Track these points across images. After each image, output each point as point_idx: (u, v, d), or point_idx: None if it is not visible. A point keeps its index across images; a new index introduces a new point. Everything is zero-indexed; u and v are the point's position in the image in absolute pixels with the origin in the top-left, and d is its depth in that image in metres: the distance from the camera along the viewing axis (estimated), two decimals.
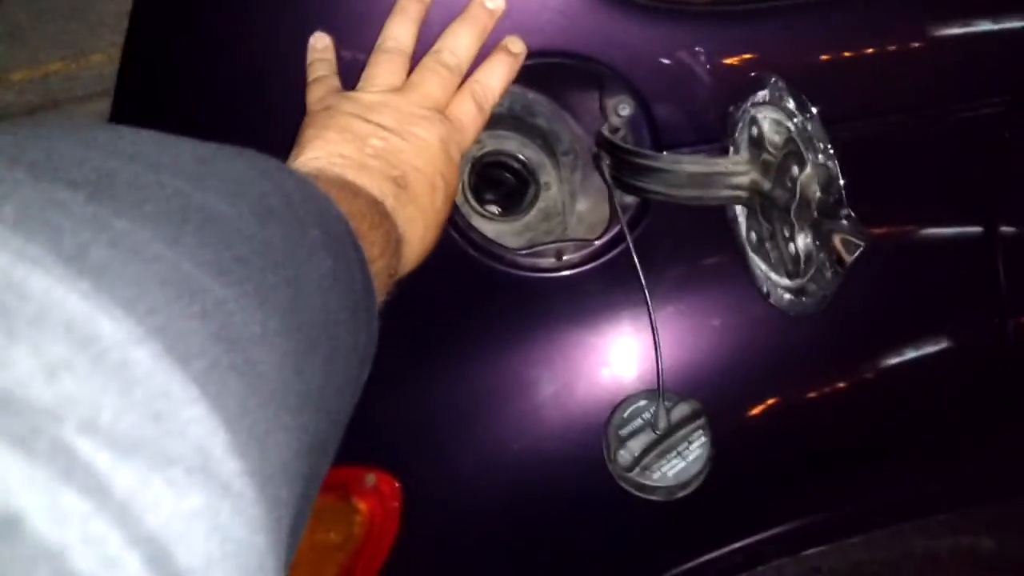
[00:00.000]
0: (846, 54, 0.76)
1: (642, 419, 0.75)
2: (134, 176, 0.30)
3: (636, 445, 0.73)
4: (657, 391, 0.74)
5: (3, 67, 3.15)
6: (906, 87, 0.77)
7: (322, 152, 0.59)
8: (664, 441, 0.73)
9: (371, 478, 0.80)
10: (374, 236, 0.51)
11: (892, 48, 0.76)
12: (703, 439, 0.73)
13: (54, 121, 2.93)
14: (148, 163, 0.32)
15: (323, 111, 0.62)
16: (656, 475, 0.73)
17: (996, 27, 0.78)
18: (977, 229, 0.81)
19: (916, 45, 0.76)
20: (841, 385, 0.81)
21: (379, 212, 0.55)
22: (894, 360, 0.82)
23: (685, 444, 0.73)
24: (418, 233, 0.60)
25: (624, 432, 0.75)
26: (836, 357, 0.81)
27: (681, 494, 0.73)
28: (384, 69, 0.65)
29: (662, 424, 0.73)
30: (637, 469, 0.73)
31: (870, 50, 0.76)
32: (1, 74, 3.15)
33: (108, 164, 0.30)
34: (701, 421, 0.73)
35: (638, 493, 0.73)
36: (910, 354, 0.82)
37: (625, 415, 0.77)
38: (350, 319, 0.41)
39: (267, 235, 0.34)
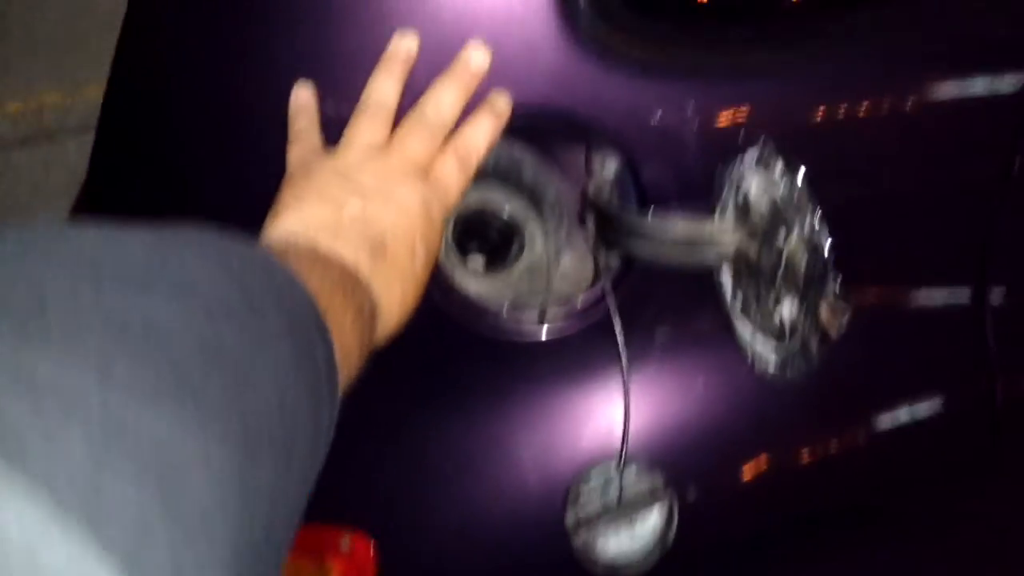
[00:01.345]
0: (836, 114, 0.75)
1: (603, 486, 0.74)
2: (70, 294, 0.29)
3: (587, 510, 0.72)
4: (622, 457, 0.73)
5: None
6: (897, 148, 0.76)
7: (297, 217, 0.57)
8: (615, 513, 0.72)
9: (346, 540, 0.78)
10: (345, 310, 0.50)
11: (883, 108, 0.75)
12: (659, 518, 0.72)
13: (45, 152, 2.92)
14: (87, 274, 0.31)
15: (302, 171, 0.61)
16: (599, 545, 0.72)
17: (989, 89, 0.78)
18: (966, 292, 0.79)
19: (908, 106, 0.76)
20: (826, 454, 0.79)
21: (353, 282, 0.54)
22: (881, 426, 0.81)
23: (637, 521, 0.72)
24: (395, 300, 0.59)
25: (583, 494, 0.74)
26: (820, 423, 0.80)
27: (625, 572, 0.72)
28: (366, 127, 0.64)
29: (613, 496, 0.72)
30: (582, 534, 0.71)
31: (861, 110, 0.75)
32: None
33: (43, 282, 0.29)
34: (663, 499, 0.72)
35: (583, 561, 0.72)
36: (897, 420, 0.81)
37: (590, 479, 0.75)
38: (311, 407, 0.40)
39: (218, 336, 0.34)
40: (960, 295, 0.80)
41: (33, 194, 2.82)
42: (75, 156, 2.85)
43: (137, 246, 0.35)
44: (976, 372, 0.80)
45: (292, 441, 0.37)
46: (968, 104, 0.78)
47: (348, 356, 0.50)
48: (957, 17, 0.78)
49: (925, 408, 0.82)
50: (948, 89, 0.77)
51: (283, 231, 0.57)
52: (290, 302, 0.43)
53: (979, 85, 0.77)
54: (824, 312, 0.60)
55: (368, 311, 0.55)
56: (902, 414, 0.81)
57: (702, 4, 0.74)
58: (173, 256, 0.36)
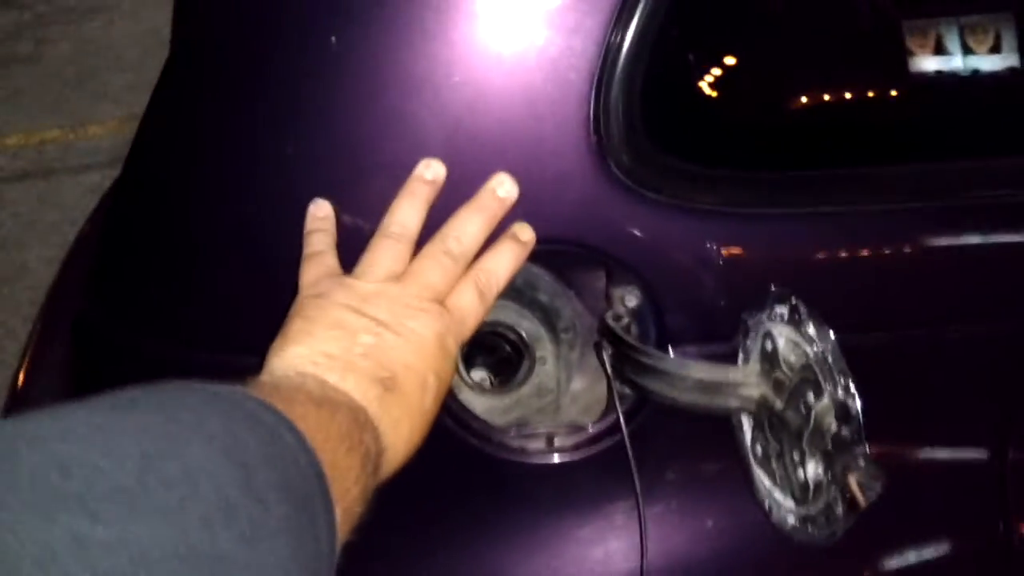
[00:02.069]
0: (860, 264, 0.73)
1: None
2: (46, 548, 0.27)
3: None
4: None
5: None
6: (921, 301, 0.75)
7: (307, 349, 0.55)
8: None
9: None
10: (351, 461, 0.48)
11: (909, 260, 0.74)
12: None
13: (42, 188, 2.90)
14: (75, 490, 0.29)
15: (315, 298, 0.59)
16: None
17: (1017, 241, 0.76)
18: (986, 452, 0.77)
19: (932, 259, 0.74)
20: None
21: (360, 425, 0.51)
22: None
23: None
24: (403, 437, 0.56)
25: None
26: (835, 572, 0.77)
27: None
28: (385, 255, 0.61)
29: None
30: None
31: (885, 261, 0.73)
32: None
33: (24, 524, 0.27)
34: None
35: None
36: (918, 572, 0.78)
37: None
38: None
39: (214, 549, 0.32)
40: (980, 455, 0.78)
41: (26, 229, 2.78)
42: (71, 195, 2.83)
43: (133, 452, 0.33)
44: (995, 533, 0.77)
45: None
46: (993, 254, 0.77)
47: (350, 511, 0.48)
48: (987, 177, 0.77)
49: (940, 555, 0.80)
50: (975, 238, 0.76)
51: (291, 363, 0.54)
52: (297, 478, 0.41)
53: (1009, 235, 0.76)
54: (853, 483, 0.57)
55: (374, 454, 0.53)
56: (919, 560, 0.78)
57: (731, 148, 0.73)
58: (172, 456, 0.34)
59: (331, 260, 0.63)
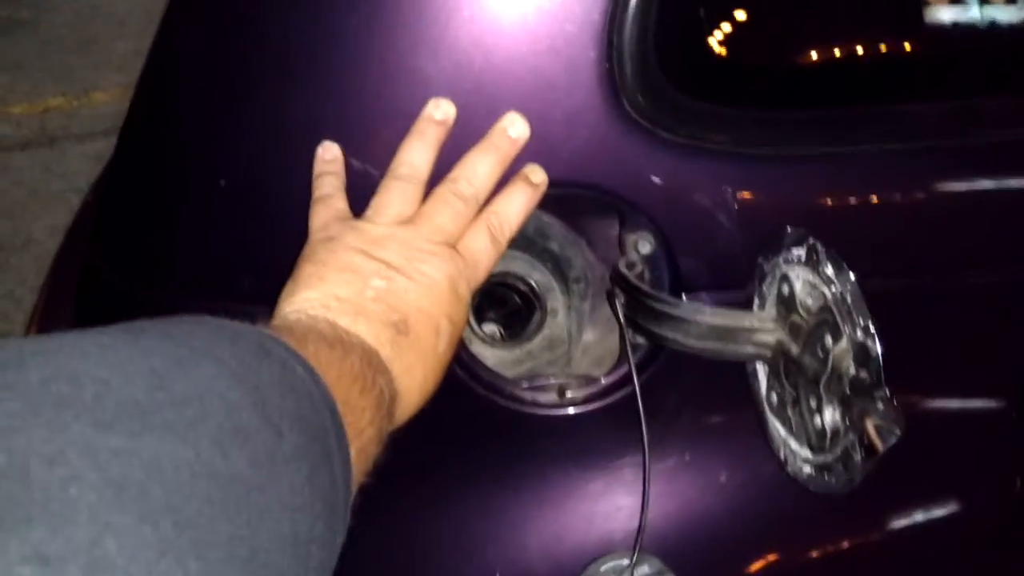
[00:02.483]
0: (880, 207, 0.71)
1: None
2: (58, 452, 0.27)
3: None
4: (635, 555, 0.68)
5: (2, 98, 3.12)
6: (939, 246, 0.73)
7: (318, 293, 0.54)
8: None
9: None
10: (365, 402, 0.47)
11: (930, 204, 0.72)
12: None
13: (46, 157, 2.88)
14: (84, 401, 0.29)
15: (325, 242, 0.57)
16: None
17: None
18: (1005, 403, 0.76)
19: (952, 201, 0.72)
20: (854, 557, 0.75)
21: (374, 368, 0.50)
22: (911, 533, 0.76)
23: None
24: (416, 383, 0.55)
25: None
26: (849, 526, 0.76)
27: None
28: (395, 198, 0.60)
29: None
30: None
31: (906, 204, 0.72)
32: None
33: (30, 445, 0.27)
34: None
35: None
36: (928, 527, 0.77)
37: (600, 571, 0.71)
38: (324, 528, 0.37)
39: (228, 468, 0.31)
40: (999, 405, 0.76)
41: (32, 198, 2.77)
42: (75, 163, 2.81)
43: (143, 369, 0.32)
44: (1012, 482, 0.76)
45: (303, 569, 0.35)
46: (1011, 197, 0.75)
47: (365, 451, 0.47)
48: (1005, 115, 0.76)
49: (959, 510, 0.78)
50: (1002, 181, 0.74)
51: (302, 307, 0.53)
52: (309, 409, 0.40)
53: None
54: (871, 428, 0.56)
55: (388, 397, 0.52)
56: (930, 522, 0.77)
57: (747, 87, 0.71)
58: (183, 376, 0.33)
59: (340, 203, 0.62)
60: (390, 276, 0.56)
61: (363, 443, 0.46)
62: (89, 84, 3.22)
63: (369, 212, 0.60)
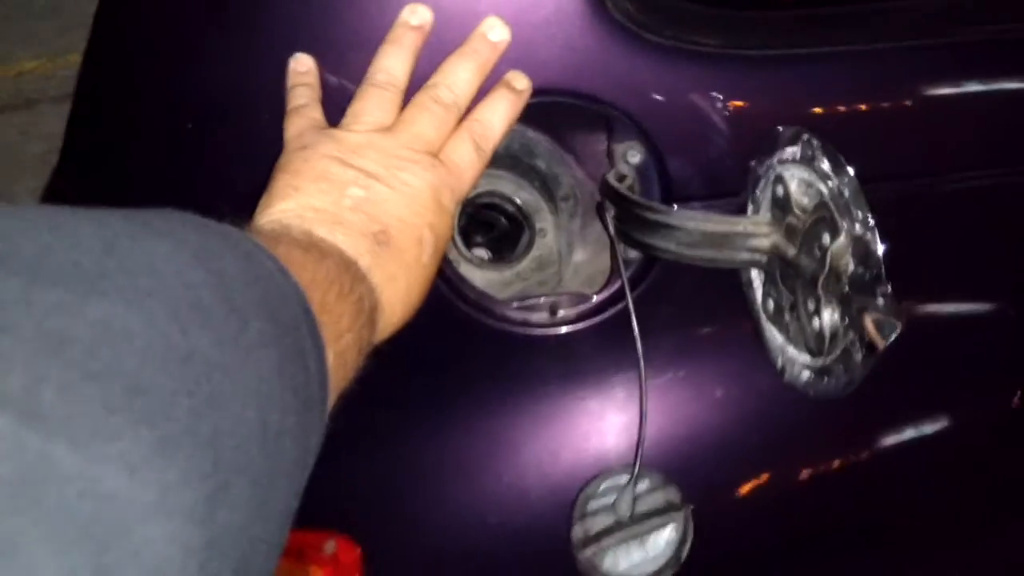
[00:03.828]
0: (875, 107, 0.69)
1: (614, 498, 0.69)
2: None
3: (595, 524, 0.68)
4: (635, 469, 0.67)
5: None
6: (937, 148, 0.71)
7: (293, 204, 0.52)
8: (627, 528, 0.67)
9: (330, 545, 0.73)
10: (342, 307, 0.45)
11: (927, 104, 0.70)
12: (673, 534, 0.67)
13: (23, 120, 2.83)
14: (19, 275, 0.26)
15: (300, 151, 0.55)
16: (607, 562, 0.67)
17: None
18: (1006, 306, 0.74)
19: (957, 99, 0.70)
20: (851, 467, 0.74)
21: (352, 275, 0.48)
22: (912, 439, 0.76)
23: (651, 536, 0.67)
24: (399, 295, 0.53)
25: (591, 508, 0.69)
26: (848, 435, 0.75)
27: None
28: (372, 104, 0.58)
29: (625, 509, 0.67)
30: (589, 551, 0.67)
31: (902, 104, 0.70)
32: None
33: None
34: (678, 514, 0.67)
35: None
36: (926, 433, 0.76)
37: (599, 490, 0.70)
38: (299, 423, 0.35)
39: (188, 344, 0.29)
40: (1000, 309, 0.75)
41: (10, 162, 2.73)
42: (53, 124, 2.76)
43: (91, 236, 0.30)
44: (1013, 383, 0.75)
45: (275, 466, 0.33)
46: (1015, 102, 0.73)
47: (344, 356, 0.45)
48: (1001, 11, 0.73)
49: (959, 420, 0.78)
50: (1002, 80, 0.72)
51: (277, 217, 0.51)
52: (278, 301, 0.38)
53: None
54: (870, 324, 0.54)
55: (368, 306, 0.50)
56: (931, 428, 0.76)
57: None
58: (137, 248, 0.31)
59: (316, 113, 0.59)
60: (368, 185, 0.54)
61: (342, 348, 0.44)
62: (61, 47, 3.15)
63: (345, 120, 0.58)
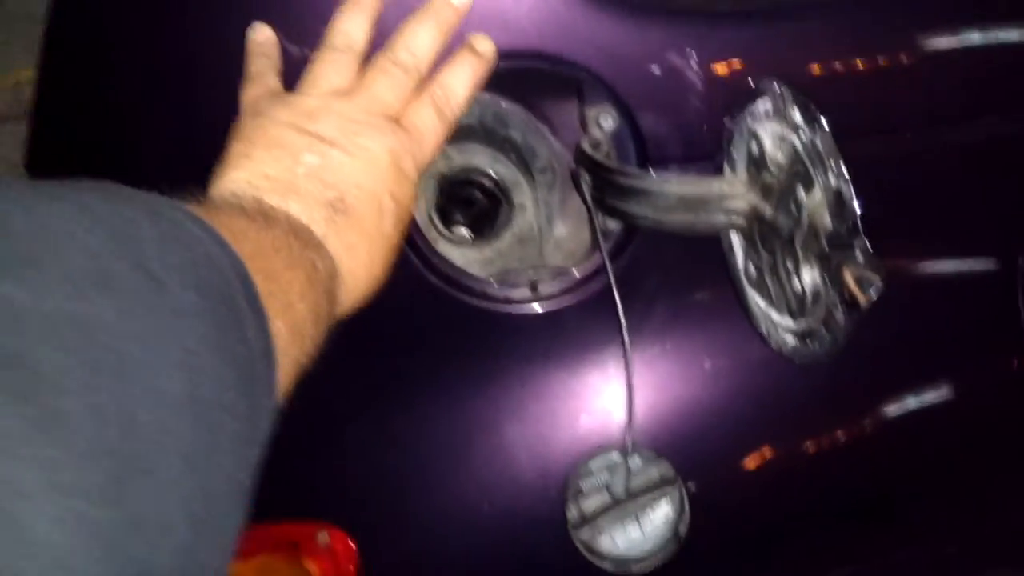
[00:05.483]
0: (853, 61, 0.67)
1: (607, 476, 0.67)
2: None
3: (591, 504, 0.66)
4: (628, 446, 0.66)
5: None
6: (921, 100, 0.69)
7: (245, 172, 0.50)
8: (622, 505, 0.65)
9: (323, 536, 0.71)
10: (292, 275, 0.43)
11: (906, 56, 0.68)
12: (669, 509, 0.65)
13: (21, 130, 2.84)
14: None
15: (254, 118, 0.53)
16: (605, 541, 0.65)
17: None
18: (996, 262, 0.72)
19: (933, 52, 0.68)
20: (847, 437, 0.72)
21: (303, 241, 0.46)
22: (906, 407, 0.74)
23: (647, 512, 0.65)
24: (361, 263, 0.51)
25: (585, 487, 0.67)
26: (841, 404, 0.73)
27: (637, 568, 0.65)
28: (329, 69, 0.56)
29: (620, 487, 0.65)
30: (586, 530, 0.65)
31: (880, 57, 0.67)
32: None
33: None
34: (672, 488, 0.65)
35: (588, 557, 0.65)
36: (923, 400, 0.74)
37: (592, 468, 0.69)
38: (241, 392, 0.33)
39: (88, 311, 0.27)
40: (989, 265, 0.73)
41: (9, 172, 2.73)
42: None
43: None
44: (1007, 349, 0.73)
45: (212, 442, 0.31)
46: (1006, 50, 0.71)
47: (298, 327, 0.43)
48: None
49: (948, 388, 0.75)
50: (981, 31, 0.70)
51: (227, 187, 0.50)
52: (208, 270, 0.36)
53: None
54: (850, 280, 0.52)
55: (324, 273, 0.48)
56: (924, 394, 0.74)
57: None
58: (31, 217, 0.29)
59: (272, 80, 0.58)
60: (324, 151, 0.52)
61: (294, 319, 0.42)
62: None
63: (302, 85, 0.56)
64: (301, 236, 0.47)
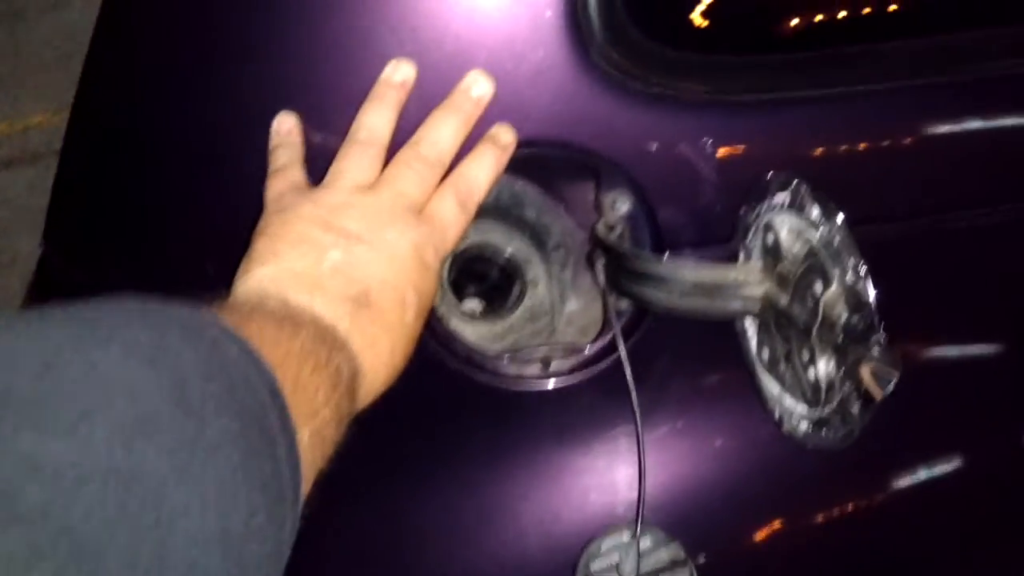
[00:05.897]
0: (865, 150, 0.69)
1: (617, 557, 0.67)
2: None
3: None
4: (638, 527, 0.66)
5: None
6: (932, 188, 0.70)
7: (272, 268, 0.51)
8: None
9: None
10: (319, 380, 0.43)
11: (919, 145, 0.69)
12: None
13: (30, 175, 2.85)
14: None
15: (279, 214, 0.54)
16: None
17: None
18: (1007, 347, 0.73)
19: (948, 138, 0.69)
20: (858, 517, 0.72)
21: (329, 345, 0.47)
22: (917, 486, 0.74)
23: None
24: (382, 358, 0.52)
25: (595, 568, 0.67)
26: (852, 484, 0.73)
27: None
28: (354, 163, 0.57)
29: (630, 568, 0.65)
30: None
31: (892, 146, 0.69)
32: None
33: None
34: (683, 571, 0.65)
35: None
36: (935, 477, 0.74)
37: (603, 548, 0.68)
38: (269, 518, 0.33)
39: (132, 461, 0.28)
40: (1001, 349, 0.74)
41: (16, 216, 2.74)
42: None
43: (29, 353, 0.29)
44: (1015, 430, 0.73)
45: (241, 570, 0.31)
46: (1009, 139, 0.72)
47: (321, 433, 0.44)
48: (993, 49, 0.73)
49: (967, 464, 0.75)
50: (984, 120, 0.71)
51: (253, 286, 0.50)
52: (244, 391, 0.37)
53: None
54: (867, 375, 0.53)
55: (347, 375, 0.48)
56: (937, 475, 0.74)
57: (722, 31, 0.68)
58: (79, 361, 0.30)
59: (297, 174, 0.59)
60: (348, 247, 0.53)
61: (318, 425, 0.43)
62: (68, 101, 3.18)
63: (326, 180, 0.57)
64: (327, 338, 0.47)
